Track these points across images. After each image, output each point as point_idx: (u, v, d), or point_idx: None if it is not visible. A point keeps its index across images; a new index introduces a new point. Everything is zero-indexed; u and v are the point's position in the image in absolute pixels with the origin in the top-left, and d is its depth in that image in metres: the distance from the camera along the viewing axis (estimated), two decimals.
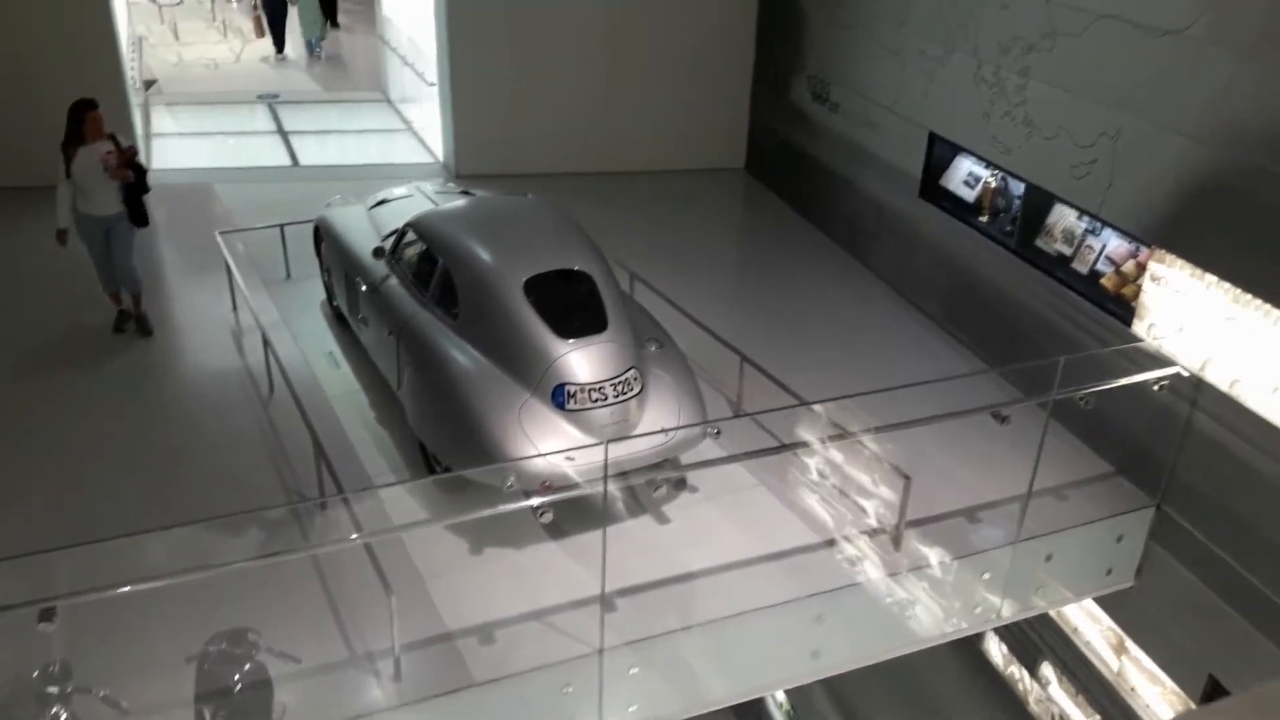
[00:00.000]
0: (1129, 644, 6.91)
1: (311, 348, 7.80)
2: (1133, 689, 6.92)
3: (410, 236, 6.93)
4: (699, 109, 11.95)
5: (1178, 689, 6.53)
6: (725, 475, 6.27)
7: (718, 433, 6.01)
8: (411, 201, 7.98)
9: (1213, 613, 6.11)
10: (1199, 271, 6.02)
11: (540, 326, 5.88)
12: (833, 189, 10.41)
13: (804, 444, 6.24)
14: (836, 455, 6.41)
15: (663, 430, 5.86)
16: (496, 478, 5.42)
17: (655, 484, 5.91)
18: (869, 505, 6.22)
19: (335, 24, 18.92)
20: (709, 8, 11.55)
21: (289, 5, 17.58)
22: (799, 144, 11.07)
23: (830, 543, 6.00)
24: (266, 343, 7.13)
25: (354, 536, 5.13)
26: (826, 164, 10.52)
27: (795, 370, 7.06)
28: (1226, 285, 5.84)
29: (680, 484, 6.28)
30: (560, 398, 5.75)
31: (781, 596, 5.59)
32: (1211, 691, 6.20)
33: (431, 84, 12.09)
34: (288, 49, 17.73)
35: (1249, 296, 5.70)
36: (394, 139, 13.68)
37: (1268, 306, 5.60)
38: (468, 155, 11.67)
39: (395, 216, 7.52)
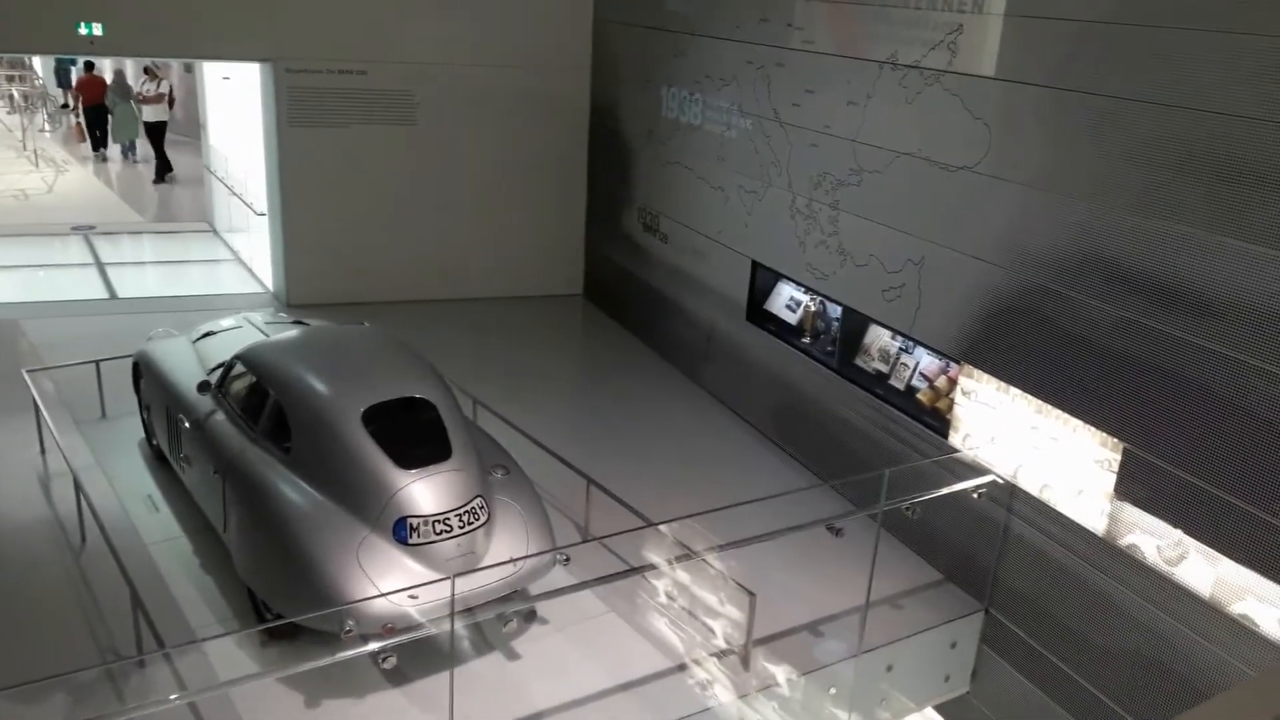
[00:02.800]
0: None
1: (128, 491, 7.30)
2: None
3: (239, 369, 6.69)
4: (536, 238, 12.24)
5: None
6: (575, 604, 6.19)
7: (567, 560, 5.96)
8: (240, 333, 7.72)
9: (1044, 713, 6.39)
10: (1004, 385, 6.52)
11: (380, 457, 5.73)
12: (667, 314, 10.78)
13: (652, 566, 6.26)
14: (684, 576, 6.44)
15: (511, 560, 5.75)
16: (334, 623, 5.15)
17: (505, 619, 5.76)
18: (716, 625, 6.26)
19: (168, 174, 18.36)
20: (541, 141, 11.96)
21: (108, 114, 18.96)
22: (633, 272, 11.46)
23: (681, 667, 5.97)
24: (78, 487, 6.63)
25: (174, 697, 4.74)
26: (659, 290, 10.90)
27: (640, 491, 7.12)
28: (1029, 397, 6.35)
29: (530, 616, 6.15)
30: (402, 532, 5.58)
31: None
32: None
33: (261, 213, 11.90)
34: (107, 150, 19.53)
35: (1049, 407, 6.20)
36: (220, 269, 13.30)
37: (1065, 415, 6.10)
38: (299, 284, 11.46)
39: (222, 349, 7.25)
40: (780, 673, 6.03)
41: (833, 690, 6.25)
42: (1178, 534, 5.48)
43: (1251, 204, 4.93)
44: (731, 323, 9.58)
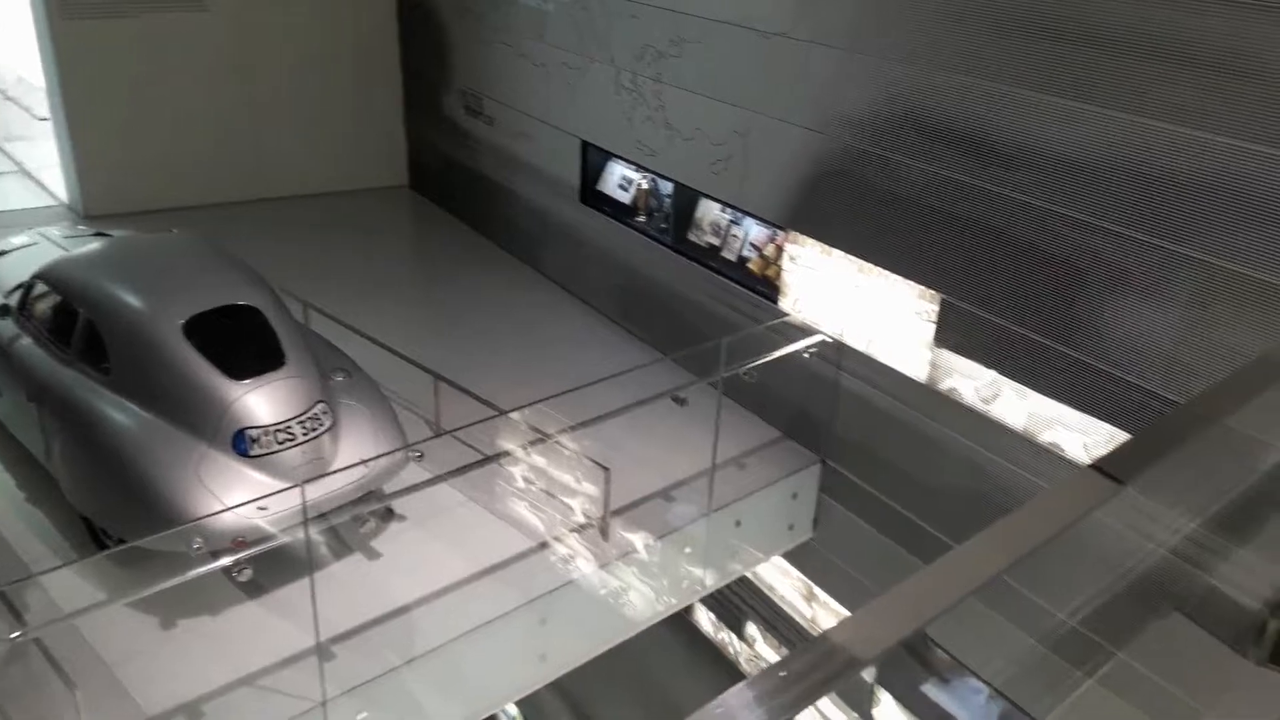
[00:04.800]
0: (817, 591, 7.67)
1: None
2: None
3: (41, 289, 6.20)
4: (351, 128, 11.65)
5: None
6: (432, 498, 6.20)
7: (420, 455, 5.94)
8: (36, 250, 7.13)
9: (881, 550, 6.93)
10: (827, 248, 6.79)
11: (208, 370, 5.49)
12: (498, 201, 10.58)
13: (506, 453, 6.32)
14: (539, 459, 6.55)
15: (361, 462, 5.69)
16: (180, 542, 5.00)
17: (361, 519, 5.73)
18: (575, 502, 6.43)
19: None
20: (346, 23, 11.27)
21: None
22: (459, 158, 11.13)
23: (543, 546, 6.13)
24: None
25: (13, 635, 4.53)
26: (489, 176, 10.66)
27: (489, 381, 7.12)
28: (851, 258, 6.64)
29: (387, 515, 6.13)
30: (242, 445, 5.41)
31: (503, 608, 5.64)
32: None
33: (43, 118, 10.82)
34: None
35: (870, 265, 6.51)
36: (3, 182, 12.10)
37: (884, 272, 6.43)
38: (96, 194, 10.58)
39: (19, 268, 6.68)
40: (638, 539, 6.28)
41: (688, 550, 6.57)
42: (992, 374, 5.94)
43: (1057, 60, 5.20)
44: (565, 206, 9.50)
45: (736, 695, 0.76)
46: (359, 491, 5.73)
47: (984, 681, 4.40)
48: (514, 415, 6.24)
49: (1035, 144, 5.38)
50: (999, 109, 5.52)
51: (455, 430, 6.21)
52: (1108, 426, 5.37)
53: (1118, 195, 5.04)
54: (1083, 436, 5.54)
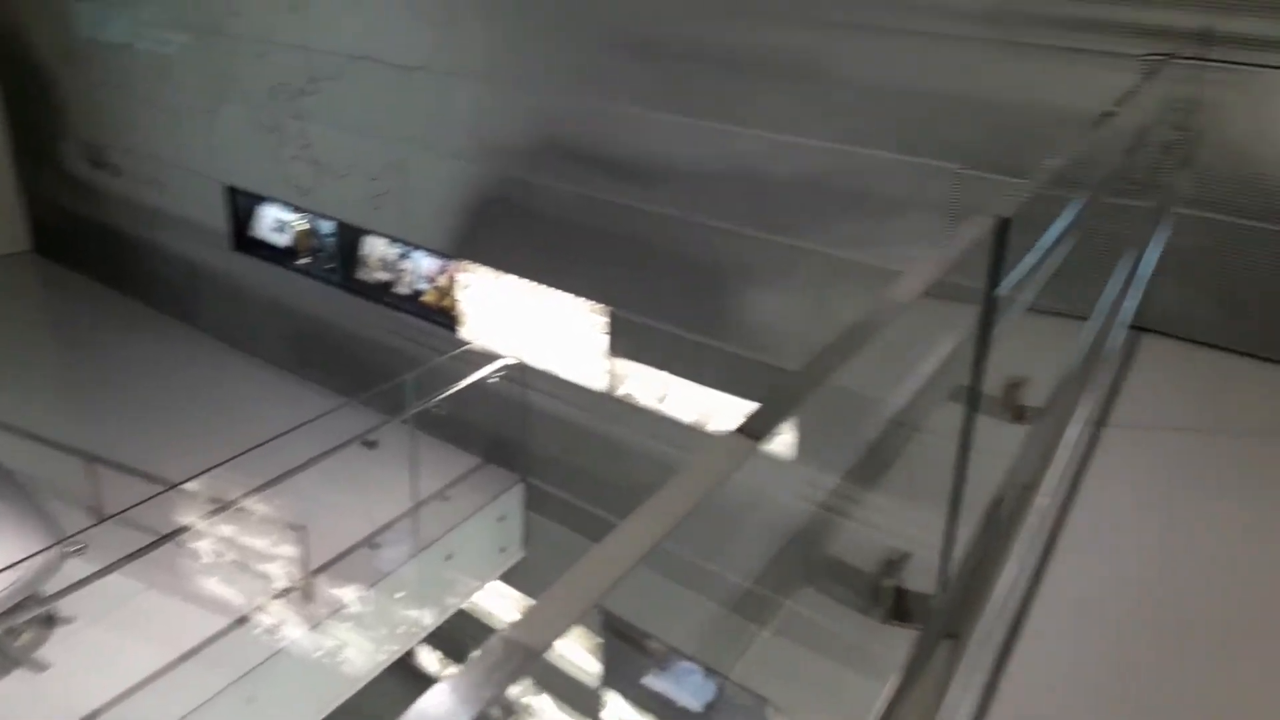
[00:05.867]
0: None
1: None
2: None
3: None
4: None
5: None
6: (104, 591, 5.63)
7: (82, 548, 5.37)
8: None
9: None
10: (498, 273, 6.94)
11: None
12: (138, 256, 9.76)
13: (185, 529, 5.87)
14: (226, 529, 6.14)
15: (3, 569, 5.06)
16: None
17: (15, 631, 5.09)
18: (273, 567, 6.10)
19: None
20: None
21: None
22: (89, 215, 10.13)
23: (243, 620, 5.77)
24: None
25: None
26: (125, 231, 9.80)
27: (156, 454, 6.57)
28: (522, 280, 6.83)
29: (49, 621, 5.50)
30: None
31: (205, 694, 5.25)
32: (606, 623, 7.29)
33: None
34: None
35: (541, 286, 6.74)
36: None
37: (555, 291, 6.68)
38: None
39: None
40: (347, 593, 6.08)
41: (401, 594, 6.45)
42: (662, 374, 6.36)
43: (673, 81, 5.66)
44: (216, 254, 8.95)
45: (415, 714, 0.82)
46: (12, 600, 5.10)
47: (692, 660, 4.73)
48: (189, 486, 5.82)
49: (667, 160, 5.83)
50: (632, 130, 5.92)
51: (119, 514, 5.68)
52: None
53: (741, 201, 5.59)
54: (787, 435, 6.08)
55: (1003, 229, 1.55)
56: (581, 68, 5.97)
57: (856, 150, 5.10)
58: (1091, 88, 3.77)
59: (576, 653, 7.64)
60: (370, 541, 6.58)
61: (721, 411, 6.13)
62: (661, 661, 5.29)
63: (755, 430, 1.14)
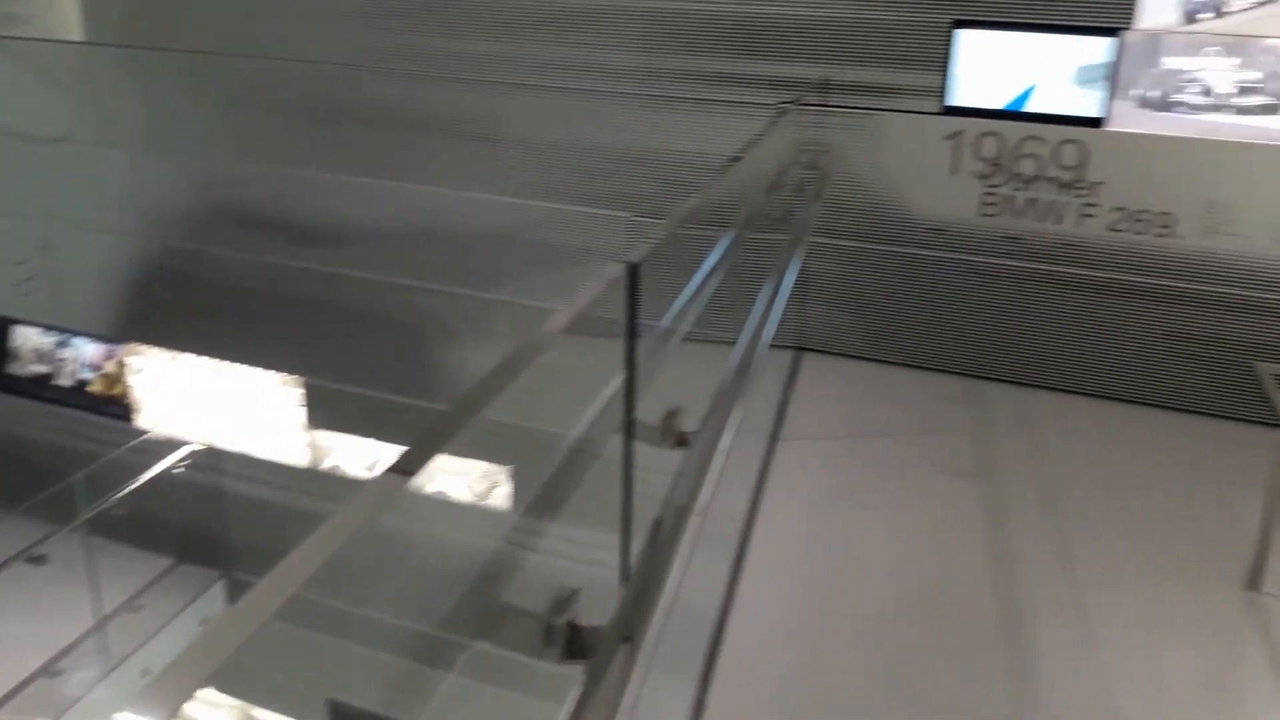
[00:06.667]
0: (253, 710, 7.21)
1: None
2: None
3: None
4: None
5: None
6: None
7: None
8: None
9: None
10: (173, 353, 6.44)
11: None
12: None
13: None
14: None
15: None
16: None
17: None
18: None
19: None
20: None
21: None
22: None
23: None
24: None
25: None
26: None
27: None
28: (200, 358, 6.38)
29: None
30: None
31: None
32: (335, 714, 6.90)
33: None
34: None
35: (222, 362, 6.32)
36: None
37: (241, 367, 6.30)
38: None
39: None
40: None
41: None
42: (366, 440, 6.15)
43: (355, 143, 5.56)
44: None
45: None
46: None
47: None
48: None
49: (354, 221, 5.70)
50: (313, 193, 5.74)
51: None
52: (480, 463, 5.90)
53: (435, 258, 5.58)
54: (466, 477, 6.01)
55: (634, 273, 1.68)
56: (252, 133, 5.73)
57: (539, 204, 5.25)
58: (733, 135, 4.14)
59: None
60: (49, 669, 5.83)
61: (440, 470, 6.01)
62: None
63: (407, 468, 1.14)
